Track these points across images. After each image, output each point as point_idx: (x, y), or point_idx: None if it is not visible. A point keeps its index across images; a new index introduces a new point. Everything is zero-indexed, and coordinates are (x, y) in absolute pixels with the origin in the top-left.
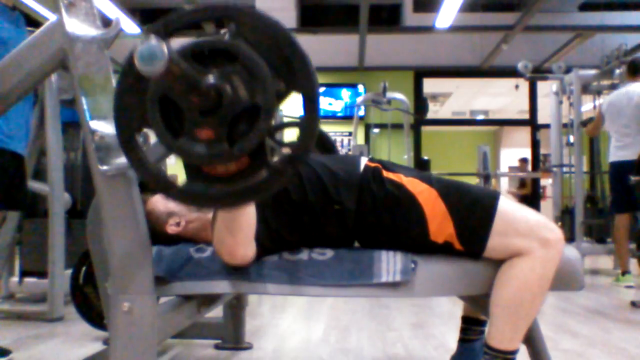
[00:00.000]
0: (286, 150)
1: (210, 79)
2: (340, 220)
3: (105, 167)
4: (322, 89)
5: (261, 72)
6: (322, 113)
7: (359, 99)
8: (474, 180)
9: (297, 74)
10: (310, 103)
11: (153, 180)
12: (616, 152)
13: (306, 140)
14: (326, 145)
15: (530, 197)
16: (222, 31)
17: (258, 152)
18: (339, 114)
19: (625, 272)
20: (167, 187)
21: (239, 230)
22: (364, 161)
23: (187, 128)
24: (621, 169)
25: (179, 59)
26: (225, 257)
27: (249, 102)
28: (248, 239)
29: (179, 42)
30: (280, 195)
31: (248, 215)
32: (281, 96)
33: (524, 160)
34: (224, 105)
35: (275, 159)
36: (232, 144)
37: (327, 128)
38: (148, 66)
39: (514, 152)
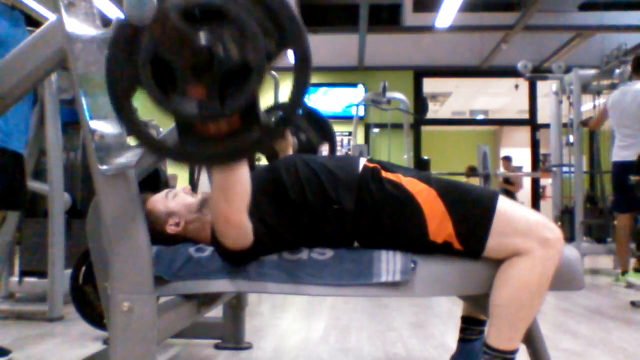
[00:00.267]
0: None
1: (202, 37)
2: (339, 220)
3: (105, 167)
4: (322, 89)
5: (252, 31)
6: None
7: (359, 99)
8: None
9: (287, 32)
10: (302, 61)
11: (145, 142)
12: (619, 152)
13: (297, 99)
14: (321, 123)
15: (513, 194)
16: None
17: (249, 111)
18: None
19: (625, 272)
20: (159, 149)
21: (234, 196)
22: (362, 162)
23: (179, 87)
24: (624, 170)
25: (168, 8)
26: (222, 226)
27: (241, 60)
28: (243, 206)
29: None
30: (279, 195)
31: (242, 181)
32: (272, 56)
33: (507, 159)
34: (216, 63)
35: (266, 116)
36: (223, 103)
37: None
38: (136, 12)
39: (514, 152)
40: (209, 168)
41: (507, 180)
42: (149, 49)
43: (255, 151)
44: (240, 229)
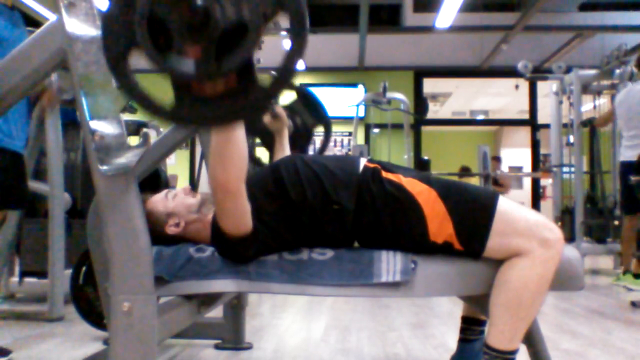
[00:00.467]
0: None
1: None
2: (339, 220)
3: (105, 167)
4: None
5: None
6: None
7: (359, 99)
8: (474, 181)
9: None
10: (297, 23)
11: (141, 102)
12: (625, 152)
13: (293, 60)
14: (316, 106)
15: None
16: None
17: (245, 71)
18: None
19: (626, 271)
20: (155, 109)
21: (231, 161)
22: (363, 162)
23: (175, 46)
24: (630, 170)
25: None
26: (220, 196)
27: (237, 19)
28: (240, 173)
29: None
30: (279, 195)
31: (238, 145)
32: (268, 16)
33: (496, 159)
34: (212, 21)
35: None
36: (219, 62)
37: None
38: None
39: (514, 152)
40: (205, 129)
41: (495, 181)
42: (145, 7)
43: (251, 112)
44: (238, 198)
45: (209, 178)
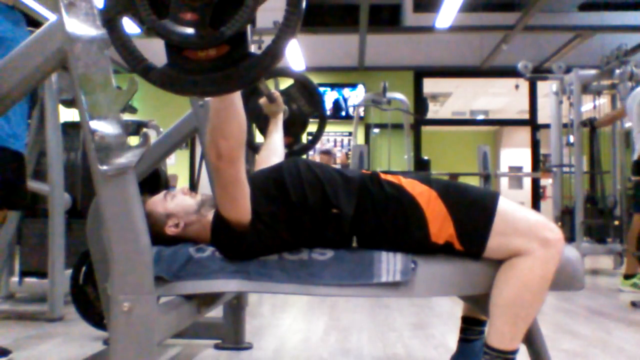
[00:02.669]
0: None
1: None
2: (337, 224)
3: (105, 167)
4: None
5: None
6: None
7: (359, 99)
8: (474, 180)
9: None
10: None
11: (133, 61)
12: None
13: (286, 32)
14: (312, 93)
15: None
16: None
17: (239, 40)
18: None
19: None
20: (146, 69)
21: (231, 131)
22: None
23: (172, 9)
24: None
25: None
26: (223, 164)
27: None
28: (240, 142)
29: None
30: (280, 197)
31: (236, 113)
32: None
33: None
34: None
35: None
36: (215, 28)
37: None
38: None
39: (514, 152)
40: (199, 97)
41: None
42: None
43: (243, 81)
44: (239, 170)
45: (209, 150)
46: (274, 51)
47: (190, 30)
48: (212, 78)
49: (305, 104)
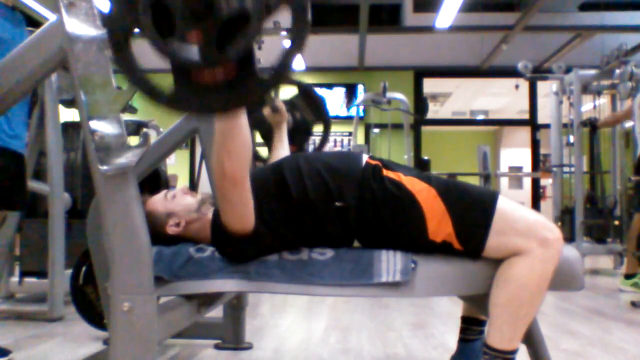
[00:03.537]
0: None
1: None
2: (342, 217)
3: (105, 167)
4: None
5: None
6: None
7: (359, 99)
8: (474, 180)
9: None
10: (299, 14)
11: (141, 86)
12: None
13: (294, 51)
14: (316, 102)
15: None
16: None
17: (245, 61)
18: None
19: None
20: (155, 93)
21: (235, 151)
22: (364, 158)
23: (178, 31)
24: None
25: None
26: (226, 185)
27: (240, 7)
28: (245, 162)
29: None
30: (281, 195)
31: (242, 134)
32: (271, 8)
33: None
34: (215, 8)
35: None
36: (221, 50)
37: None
38: None
39: (514, 152)
40: (203, 116)
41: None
42: None
43: (250, 101)
44: (243, 188)
45: (214, 169)
46: (281, 70)
47: (195, 50)
48: (219, 98)
49: (309, 112)
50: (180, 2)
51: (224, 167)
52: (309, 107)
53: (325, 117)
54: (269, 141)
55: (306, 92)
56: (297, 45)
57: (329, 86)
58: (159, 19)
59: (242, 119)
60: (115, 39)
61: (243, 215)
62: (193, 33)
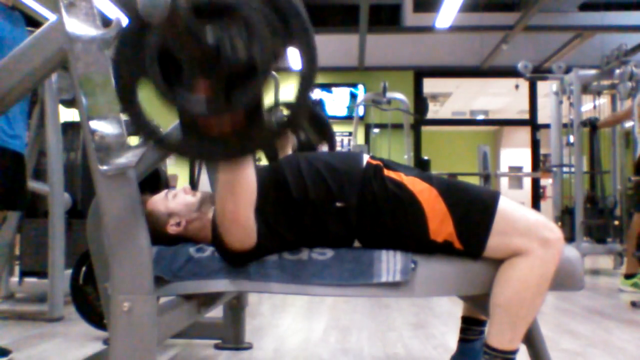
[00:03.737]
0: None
1: (210, 32)
2: (342, 217)
3: (105, 167)
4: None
5: (260, 29)
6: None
7: (359, 99)
8: (474, 180)
9: (294, 32)
10: (307, 61)
11: (148, 134)
12: None
13: (302, 101)
14: (320, 123)
15: None
16: None
17: (253, 110)
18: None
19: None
20: (162, 141)
21: (240, 194)
22: (365, 158)
23: (185, 82)
24: None
25: (181, 6)
26: (228, 224)
27: (247, 58)
28: (249, 204)
29: None
30: (281, 196)
31: (248, 179)
32: (278, 55)
33: None
34: (222, 59)
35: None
36: (228, 100)
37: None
38: (151, 10)
39: (514, 152)
40: (212, 165)
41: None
42: (156, 43)
43: (257, 150)
44: (247, 227)
45: (217, 208)
46: (291, 121)
47: (203, 100)
48: (227, 146)
49: (313, 133)
50: (187, 53)
51: (225, 208)
52: (313, 127)
53: (330, 137)
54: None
55: (312, 114)
56: (306, 93)
57: (329, 86)
58: (166, 67)
59: (248, 165)
60: (122, 87)
61: (243, 241)
62: (200, 84)
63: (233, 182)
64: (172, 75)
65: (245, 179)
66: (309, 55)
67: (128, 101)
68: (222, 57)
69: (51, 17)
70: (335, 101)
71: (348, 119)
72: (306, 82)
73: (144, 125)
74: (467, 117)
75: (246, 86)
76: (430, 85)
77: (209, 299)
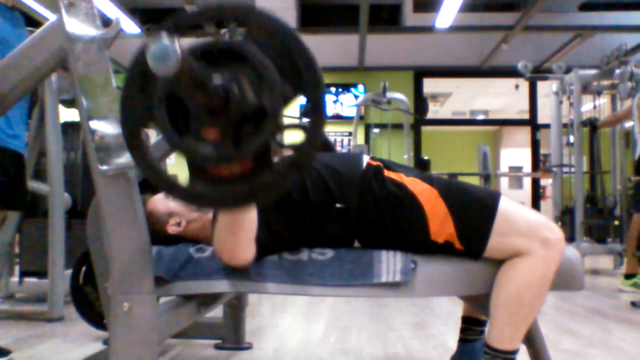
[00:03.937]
0: (290, 153)
1: (219, 79)
2: (343, 219)
3: (105, 167)
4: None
5: (269, 75)
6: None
7: (359, 99)
8: (474, 180)
9: (303, 77)
10: (316, 108)
11: (156, 179)
12: None
13: (311, 146)
14: (324, 144)
15: None
16: (222, 31)
17: (262, 154)
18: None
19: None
20: (170, 187)
21: (240, 230)
22: (365, 159)
23: (193, 127)
24: None
25: (191, 58)
26: (225, 258)
27: (256, 104)
28: (248, 240)
29: (184, 42)
30: (282, 197)
31: (250, 216)
32: (287, 100)
33: None
34: (231, 106)
35: (279, 160)
36: (237, 146)
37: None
38: (161, 65)
39: (514, 152)
40: (219, 209)
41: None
42: (164, 89)
43: (267, 196)
44: (244, 262)
45: (216, 243)
46: (300, 165)
47: (212, 147)
48: (236, 193)
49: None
50: (196, 100)
51: (223, 247)
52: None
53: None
54: None
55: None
56: (315, 139)
57: (329, 86)
58: (173, 112)
59: (252, 207)
60: (128, 132)
61: (242, 263)
62: (209, 130)
63: (234, 223)
64: (179, 120)
65: (247, 221)
66: (317, 105)
67: (135, 146)
68: (231, 105)
69: (51, 17)
70: (334, 101)
71: (348, 118)
72: (314, 131)
73: (151, 171)
74: (467, 117)
75: (255, 132)
76: (430, 85)
77: (209, 299)
